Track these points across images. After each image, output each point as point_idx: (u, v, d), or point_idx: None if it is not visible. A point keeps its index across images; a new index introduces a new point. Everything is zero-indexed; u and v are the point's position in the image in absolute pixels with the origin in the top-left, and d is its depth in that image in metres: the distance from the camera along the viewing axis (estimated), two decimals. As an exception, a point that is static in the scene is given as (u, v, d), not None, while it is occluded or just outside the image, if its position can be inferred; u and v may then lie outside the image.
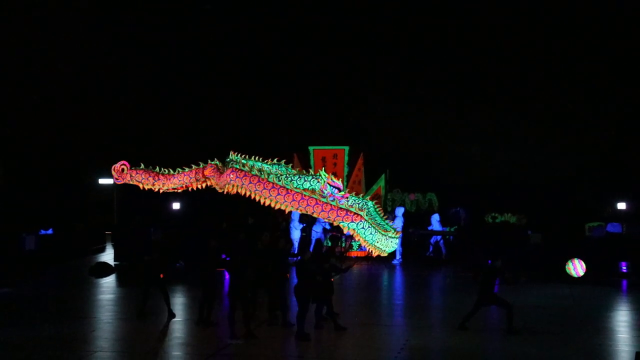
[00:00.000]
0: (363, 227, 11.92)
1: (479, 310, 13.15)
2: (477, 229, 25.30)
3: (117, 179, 14.38)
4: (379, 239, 12.05)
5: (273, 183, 12.37)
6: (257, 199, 12.54)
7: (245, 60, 33.19)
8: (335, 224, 12.21)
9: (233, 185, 12.82)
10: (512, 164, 29.76)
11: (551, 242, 21.60)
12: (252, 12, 32.67)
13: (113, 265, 21.72)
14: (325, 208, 12.01)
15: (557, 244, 21.50)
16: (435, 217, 24.29)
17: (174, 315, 14.05)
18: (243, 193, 12.73)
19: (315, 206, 12.09)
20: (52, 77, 32.38)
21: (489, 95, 30.96)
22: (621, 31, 29.06)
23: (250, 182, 12.53)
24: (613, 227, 22.96)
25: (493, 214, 26.67)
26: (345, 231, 12.28)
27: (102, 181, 34.12)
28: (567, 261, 17.02)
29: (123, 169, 14.36)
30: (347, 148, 28.12)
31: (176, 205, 28.23)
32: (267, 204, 12.54)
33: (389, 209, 26.04)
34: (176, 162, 14.45)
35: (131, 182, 14.29)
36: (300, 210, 12.37)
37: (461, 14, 31.11)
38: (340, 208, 12.03)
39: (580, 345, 12.11)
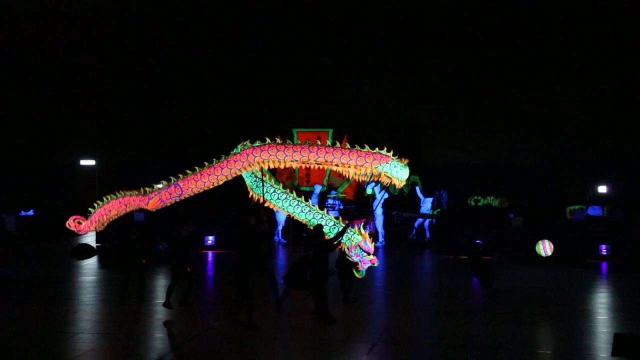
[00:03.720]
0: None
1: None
2: (459, 212, 25.42)
3: (80, 232, 14.15)
4: None
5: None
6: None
7: (228, 43, 32.91)
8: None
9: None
10: (495, 147, 29.88)
11: (532, 226, 21.79)
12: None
13: (95, 247, 21.57)
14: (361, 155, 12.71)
15: (538, 227, 21.69)
16: (428, 201, 24.36)
17: (142, 301, 13.88)
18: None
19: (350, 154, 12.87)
20: (39, 62, 32.20)
21: (473, 79, 30.98)
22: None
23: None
24: (594, 211, 23.18)
25: (476, 197, 26.79)
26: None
27: (84, 162, 33.81)
28: (537, 241, 17.25)
29: (80, 222, 14.10)
30: (331, 130, 28.07)
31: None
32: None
33: (372, 192, 26.07)
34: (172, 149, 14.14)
35: (102, 225, 13.96)
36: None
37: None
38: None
39: (560, 326, 12.24)
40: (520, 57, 30.70)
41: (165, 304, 12.99)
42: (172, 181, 13.08)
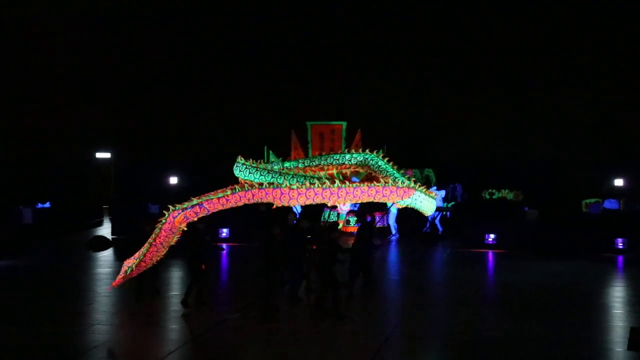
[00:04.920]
0: (416, 198, 12.16)
1: None
2: (474, 205, 25.29)
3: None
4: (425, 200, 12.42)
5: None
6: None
7: (242, 35, 32.95)
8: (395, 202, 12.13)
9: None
10: (510, 140, 29.71)
11: (548, 219, 21.64)
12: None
13: (110, 239, 21.69)
14: (380, 191, 11.81)
15: (553, 220, 21.54)
16: (441, 194, 24.23)
17: (158, 293, 13.93)
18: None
19: (369, 191, 11.90)
20: (49, 56, 32.46)
21: (486, 71, 30.82)
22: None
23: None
24: (610, 204, 22.98)
25: (490, 191, 26.64)
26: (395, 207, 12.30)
27: (99, 155, 34.04)
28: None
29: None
30: (344, 124, 28.05)
31: (173, 180, 28.19)
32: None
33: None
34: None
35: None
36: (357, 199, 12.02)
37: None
38: (388, 187, 11.93)
39: (576, 321, 12.17)
40: (535, 51, 30.51)
41: (182, 302, 12.86)
42: (195, 201, 12.60)
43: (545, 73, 30.46)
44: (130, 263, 13.07)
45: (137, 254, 12.99)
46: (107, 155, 33.89)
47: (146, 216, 19.03)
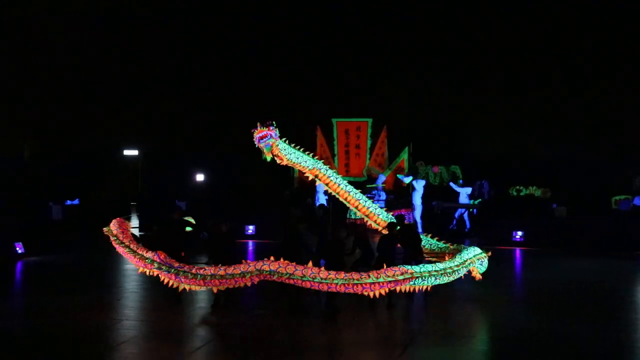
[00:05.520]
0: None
1: None
2: (501, 202, 25.08)
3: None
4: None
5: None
6: None
7: (268, 31, 33.01)
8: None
9: None
10: (537, 136, 29.40)
11: (576, 216, 21.39)
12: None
13: (138, 235, 21.94)
14: (374, 287, 11.16)
15: (582, 217, 21.28)
16: (466, 190, 24.03)
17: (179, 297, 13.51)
18: None
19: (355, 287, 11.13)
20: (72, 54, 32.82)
21: (515, 70, 30.53)
22: None
23: None
24: (640, 201, 22.68)
25: (517, 187, 26.40)
26: None
27: (127, 152, 34.37)
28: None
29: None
30: (370, 120, 28.02)
31: (200, 177, 28.38)
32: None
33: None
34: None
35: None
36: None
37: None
38: (388, 282, 11.26)
39: (605, 319, 12.01)
40: (562, 48, 30.17)
41: (213, 306, 12.71)
42: (173, 270, 11.99)
43: (574, 70, 30.08)
44: (131, 245, 13.08)
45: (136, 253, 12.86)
46: (135, 152, 34.20)
47: (174, 207, 19.13)
